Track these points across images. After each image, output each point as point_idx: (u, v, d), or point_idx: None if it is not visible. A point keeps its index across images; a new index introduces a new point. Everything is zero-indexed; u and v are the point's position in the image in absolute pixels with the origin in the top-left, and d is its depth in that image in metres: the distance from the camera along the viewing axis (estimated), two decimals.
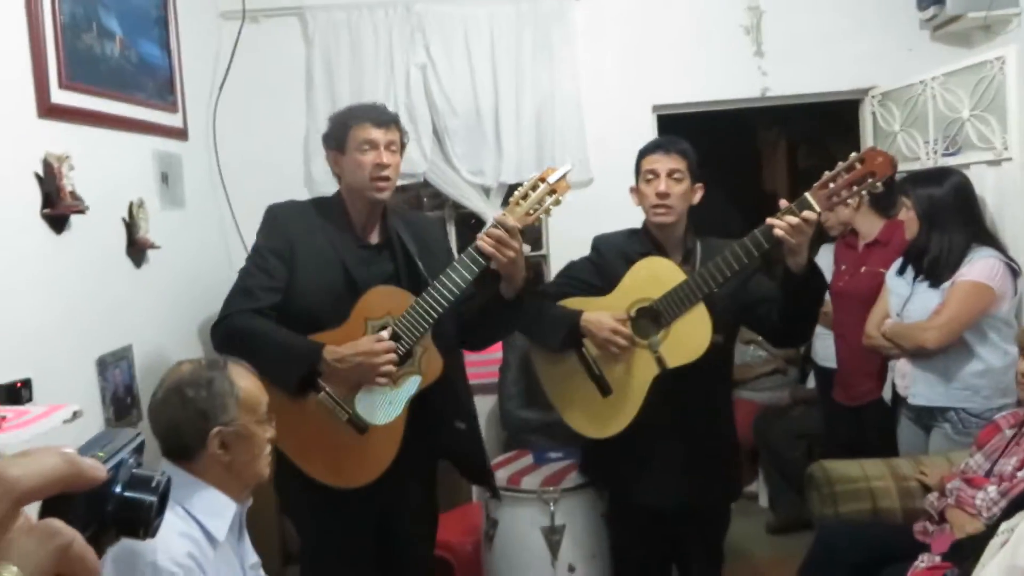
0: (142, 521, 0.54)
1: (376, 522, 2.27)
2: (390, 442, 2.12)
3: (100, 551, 0.50)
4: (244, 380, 1.67)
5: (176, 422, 1.61)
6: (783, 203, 2.08)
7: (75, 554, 0.46)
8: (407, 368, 2.12)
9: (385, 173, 2.16)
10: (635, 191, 2.41)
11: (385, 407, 2.11)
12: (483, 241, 2.05)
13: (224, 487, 1.62)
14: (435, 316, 2.08)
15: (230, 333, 2.11)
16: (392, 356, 2.07)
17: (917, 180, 2.77)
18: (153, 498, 0.54)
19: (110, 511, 0.52)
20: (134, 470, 0.55)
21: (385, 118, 2.19)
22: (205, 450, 1.60)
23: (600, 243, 2.51)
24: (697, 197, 2.38)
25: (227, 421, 1.61)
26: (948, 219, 2.65)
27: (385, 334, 2.08)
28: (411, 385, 2.12)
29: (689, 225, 2.40)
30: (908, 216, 2.73)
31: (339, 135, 2.19)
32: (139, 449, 0.58)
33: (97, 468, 0.49)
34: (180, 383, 1.63)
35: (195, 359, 1.74)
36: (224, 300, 2.19)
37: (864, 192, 2.09)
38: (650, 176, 2.33)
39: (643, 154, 2.40)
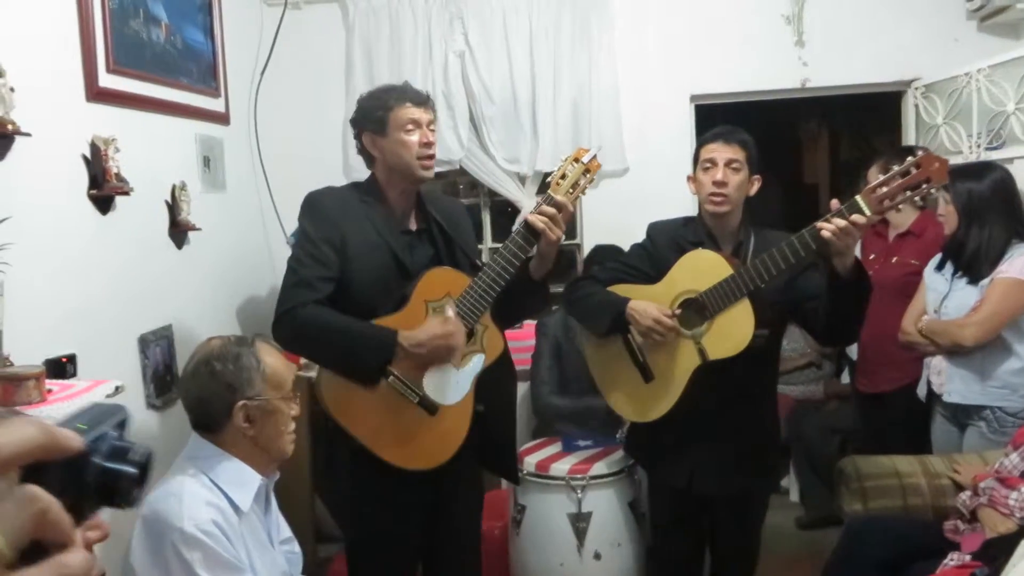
0: (122, 491, 0.55)
1: (429, 507, 2.26)
2: (461, 420, 2.16)
3: (81, 518, 0.52)
4: (270, 357, 1.72)
5: (203, 394, 1.67)
6: (834, 204, 2.06)
7: (52, 519, 0.48)
8: (471, 347, 2.15)
9: (431, 152, 2.19)
10: (692, 180, 2.41)
11: (453, 387, 2.15)
12: (536, 218, 2.08)
13: (250, 460, 1.67)
14: (494, 294, 2.12)
15: (301, 326, 2.03)
16: (463, 332, 2.10)
17: (957, 174, 2.71)
18: (133, 470, 0.55)
19: (89, 481, 0.53)
20: (116, 442, 0.56)
21: (424, 97, 2.22)
22: (231, 422, 1.65)
23: (653, 231, 2.51)
24: (754, 189, 2.36)
25: (252, 395, 1.66)
26: (988, 214, 2.60)
27: (450, 312, 2.11)
28: (476, 363, 2.17)
29: (744, 217, 2.39)
30: (947, 210, 2.68)
31: (379, 117, 2.17)
32: (122, 424, 0.58)
33: (72, 438, 0.51)
34: (209, 357, 1.69)
35: (225, 336, 1.79)
36: (281, 293, 2.11)
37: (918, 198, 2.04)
38: (708, 165, 2.32)
39: (703, 143, 2.38)
